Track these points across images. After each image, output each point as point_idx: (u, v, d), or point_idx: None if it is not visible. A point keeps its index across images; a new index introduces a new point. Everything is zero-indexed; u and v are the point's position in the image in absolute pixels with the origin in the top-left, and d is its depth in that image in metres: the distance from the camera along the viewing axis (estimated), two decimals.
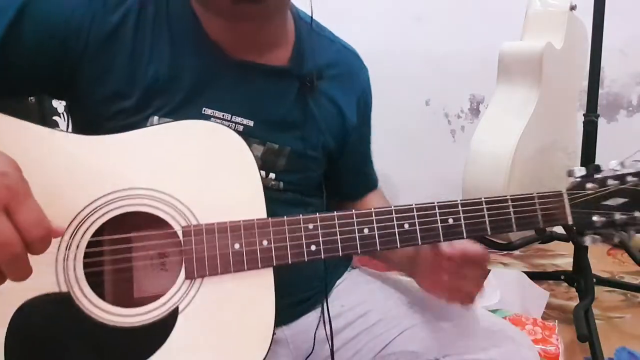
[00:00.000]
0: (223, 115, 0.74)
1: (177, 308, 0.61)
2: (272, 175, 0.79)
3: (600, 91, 1.62)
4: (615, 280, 1.88)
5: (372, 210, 0.67)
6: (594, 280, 1.65)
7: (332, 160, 0.88)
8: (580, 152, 1.59)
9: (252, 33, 0.75)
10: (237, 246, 0.63)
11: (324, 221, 0.66)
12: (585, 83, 1.57)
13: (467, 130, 2.42)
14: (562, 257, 2.10)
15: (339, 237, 0.66)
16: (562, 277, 1.76)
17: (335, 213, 0.66)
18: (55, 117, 1.49)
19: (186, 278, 0.63)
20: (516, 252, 2.12)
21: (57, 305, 0.59)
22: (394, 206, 0.68)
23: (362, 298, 0.88)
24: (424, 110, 2.45)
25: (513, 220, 0.69)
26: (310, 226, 0.65)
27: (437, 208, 0.69)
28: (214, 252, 0.63)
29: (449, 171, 1.91)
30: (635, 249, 1.82)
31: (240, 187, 0.66)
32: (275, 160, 0.79)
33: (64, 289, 0.60)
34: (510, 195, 0.70)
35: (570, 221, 0.71)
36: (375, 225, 0.67)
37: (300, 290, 0.85)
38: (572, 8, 1.58)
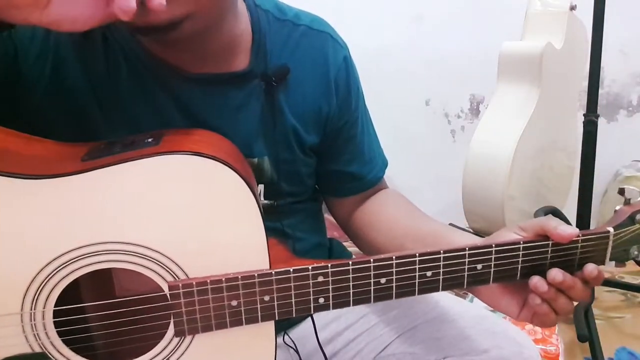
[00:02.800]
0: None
1: None
2: (260, 188, 0.76)
3: (600, 91, 1.62)
4: (615, 280, 1.88)
5: (393, 257, 0.59)
6: None
7: (323, 156, 0.83)
8: (580, 152, 1.59)
9: (194, 48, 0.69)
10: (234, 303, 0.56)
11: (336, 274, 0.58)
12: (585, 83, 1.57)
13: (467, 130, 2.42)
14: None
15: (351, 290, 0.59)
16: None
17: (350, 260, 0.59)
18: None
19: (175, 335, 0.57)
20: None
21: None
22: (419, 253, 0.60)
23: None
24: (423, 110, 2.45)
25: (547, 265, 0.63)
26: (320, 278, 0.58)
27: (467, 256, 0.61)
28: (207, 311, 0.56)
29: (449, 171, 1.92)
30: None
31: (237, 233, 0.56)
32: (260, 172, 0.75)
33: (37, 348, 0.55)
34: (551, 241, 0.63)
35: (606, 262, 0.66)
36: (394, 277, 0.60)
37: None
38: (572, 8, 1.59)
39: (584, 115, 1.56)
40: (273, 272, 0.56)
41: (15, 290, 0.53)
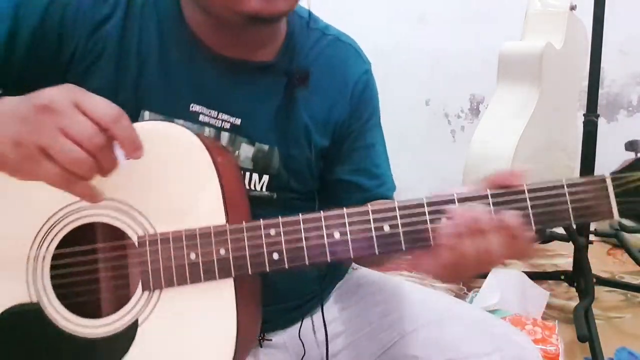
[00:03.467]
0: (210, 113, 0.74)
1: (136, 321, 0.60)
2: (265, 178, 0.77)
3: (600, 91, 1.62)
4: (615, 280, 1.88)
5: (344, 211, 0.59)
6: (594, 280, 1.65)
7: (330, 162, 0.84)
8: (580, 152, 1.59)
9: (242, 36, 0.73)
10: (193, 256, 0.60)
11: (288, 226, 0.59)
12: (585, 83, 1.57)
13: (467, 130, 2.42)
14: (562, 257, 2.10)
15: (304, 243, 0.58)
16: (562, 277, 1.76)
17: (300, 216, 0.59)
18: None
19: (143, 290, 0.60)
20: None
21: (28, 315, 0.61)
22: (371, 207, 0.59)
23: (362, 300, 0.87)
24: (424, 110, 2.45)
25: (531, 216, 0.56)
26: (272, 232, 0.59)
27: (425, 206, 0.57)
28: (169, 263, 0.60)
29: (449, 171, 1.92)
30: (635, 249, 1.82)
31: (198, 192, 0.61)
32: (268, 162, 0.77)
33: (34, 299, 0.61)
34: (527, 186, 0.57)
35: (616, 215, 0.56)
36: (347, 228, 0.58)
37: (297, 296, 0.84)
38: (572, 8, 1.59)
39: (584, 115, 1.56)
40: (227, 227, 0.60)
41: (26, 237, 0.62)
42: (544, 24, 1.60)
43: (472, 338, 0.77)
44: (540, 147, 1.63)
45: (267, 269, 0.59)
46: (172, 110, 0.71)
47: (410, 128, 2.40)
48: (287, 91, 0.77)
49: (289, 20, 0.79)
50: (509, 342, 0.76)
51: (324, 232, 0.59)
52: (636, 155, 0.58)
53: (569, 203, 0.56)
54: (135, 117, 0.71)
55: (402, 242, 0.58)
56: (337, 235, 0.58)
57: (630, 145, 0.60)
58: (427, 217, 0.57)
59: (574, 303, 1.61)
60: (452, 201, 0.57)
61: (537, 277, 1.78)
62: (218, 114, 0.74)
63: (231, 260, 0.59)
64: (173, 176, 0.62)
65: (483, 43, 2.10)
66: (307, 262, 0.59)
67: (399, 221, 0.58)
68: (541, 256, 2.14)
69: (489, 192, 0.57)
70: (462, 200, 0.57)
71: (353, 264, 0.96)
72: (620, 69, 2.23)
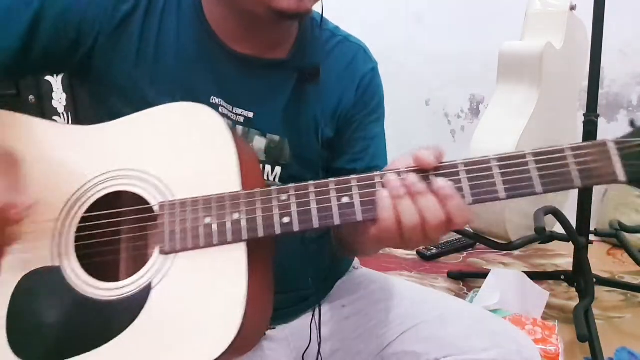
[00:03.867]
0: (227, 106, 0.77)
1: (150, 284, 0.62)
2: (277, 170, 0.80)
3: (600, 91, 1.62)
4: (615, 280, 1.88)
5: (353, 177, 0.62)
6: (594, 280, 1.65)
7: (332, 152, 0.86)
8: None
9: (259, 33, 0.76)
10: (207, 220, 0.63)
11: (299, 190, 0.62)
12: (585, 83, 1.57)
13: (467, 130, 2.42)
14: (562, 257, 2.10)
15: (314, 206, 0.61)
16: (562, 277, 1.76)
17: (310, 182, 0.63)
18: (55, 117, 1.49)
19: (160, 253, 0.63)
20: (516, 252, 2.12)
21: (49, 278, 0.64)
22: (378, 171, 0.62)
23: (363, 298, 0.88)
24: (424, 110, 2.45)
25: (535, 179, 0.57)
26: (284, 197, 0.62)
27: (431, 171, 0.60)
28: (184, 225, 0.63)
29: None
30: (635, 249, 1.82)
31: (216, 162, 0.66)
32: (280, 153, 0.80)
33: (56, 262, 0.65)
34: (530, 150, 0.58)
35: (622, 177, 0.56)
36: (355, 192, 0.61)
37: (298, 288, 0.85)
38: (572, 8, 1.58)
39: (584, 115, 1.56)
40: (242, 193, 0.64)
41: (57, 204, 0.67)
42: (544, 24, 1.60)
43: (470, 334, 0.78)
44: (541, 147, 1.62)
45: (278, 232, 0.62)
46: (195, 102, 0.73)
47: (411, 128, 2.40)
48: (297, 86, 0.80)
49: (301, 21, 0.82)
50: (507, 338, 0.77)
51: (333, 196, 0.61)
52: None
53: (574, 165, 0.57)
54: None
55: (360, 212, 0.61)
56: (345, 199, 0.61)
57: (632, 123, 0.62)
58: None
59: (574, 303, 1.61)
60: (455, 166, 0.59)
61: (537, 277, 1.78)
62: (233, 108, 0.77)
63: (243, 223, 0.62)
64: (194, 148, 0.67)
65: (483, 43, 2.10)
66: (315, 225, 0.61)
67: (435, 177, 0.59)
68: (541, 256, 2.15)
69: (491, 156, 0.59)
70: (468, 164, 0.59)
71: (355, 262, 0.96)
72: (620, 69, 2.23)
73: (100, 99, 0.78)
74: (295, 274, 0.82)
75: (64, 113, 1.49)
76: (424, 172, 0.60)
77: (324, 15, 0.84)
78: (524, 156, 0.59)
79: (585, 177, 0.57)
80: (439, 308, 0.82)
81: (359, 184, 0.61)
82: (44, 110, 1.46)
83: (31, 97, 1.32)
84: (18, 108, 0.74)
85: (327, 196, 0.62)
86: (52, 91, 1.46)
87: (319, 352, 0.80)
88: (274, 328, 0.84)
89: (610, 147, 0.57)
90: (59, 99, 1.49)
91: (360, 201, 0.61)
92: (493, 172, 0.59)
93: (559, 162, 0.58)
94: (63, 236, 0.66)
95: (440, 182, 0.59)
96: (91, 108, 0.82)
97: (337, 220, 0.61)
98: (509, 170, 0.58)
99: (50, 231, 0.66)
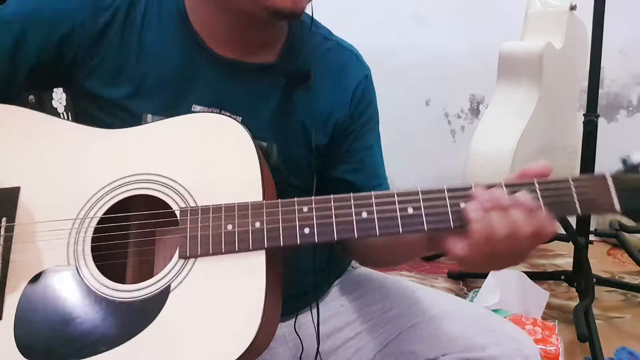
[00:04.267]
0: (212, 111, 0.76)
1: (169, 286, 0.63)
2: None
3: (600, 91, 1.62)
4: (615, 280, 1.88)
5: (372, 193, 0.64)
6: (594, 280, 1.65)
7: (328, 161, 0.85)
8: (580, 152, 1.58)
9: (247, 36, 0.75)
10: (229, 227, 0.64)
11: (320, 203, 0.64)
12: (585, 83, 1.57)
13: (467, 130, 2.42)
14: (562, 257, 2.10)
15: (334, 219, 0.63)
16: (562, 277, 1.76)
17: (331, 196, 0.65)
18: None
19: (180, 257, 0.64)
20: None
21: (64, 277, 0.64)
22: (396, 190, 0.64)
23: (361, 297, 0.88)
24: (424, 111, 2.45)
25: (542, 206, 0.61)
26: (305, 209, 0.64)
27: (446, 192, 0.63)
28: (206, 231, 0.64)
29: (449, 171, 1.91)
30: (635, 249, 1.82)
31: (239, 172, 0.67)
32: (267, 158, 0.77)
33: (72, 262, 0.65)
34: (537, 179, 0.62)
35: (617, 207, 0.62)
36: (374, 208, 0.63)
37: (296, 286, 0.85)
38: (572, 8, 1.58)
39: (584, 115, 1.57)
40: (264, 202, 0.65)
41: (76, 204, 0.67)
42: (544, 23, 1.60)
43: (469, 333, 0.78)
44: (541, 147, 1.62)
45: (298, 242, 0.63)
46: (175, 112, 0.72)
47: (411, 128, 2.40)
48: (286, 91, 0.79)
49: (291, 23, 0.81)
50: (506, 336, 0.77)
51: (353, 210, 0.63)
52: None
53: (575, 195, 0.62)
54: (138, 120, 0.74)
55: (424, 222, 0.63)
56: (364, 214, 0.63)
57: (624, 161, 0.65)
58: (447, 201, 0.63)
59: (574, 303, 1.61)
60: (469, 188, 0.63)
61: (537, 277, 1.78)
62: (220, 112, 0.76)
63: (265, 232, 0.63)
64: (218, 158, 0.69)
65: (483, 43, 2.10)
66: (335, 238, 0.63)
67: (422, 204, 0.63)
68: (541, 256, 2.14)
69: (502, 182, 0.63)
70: (479, 187, 0.62)
71: (353, 262, 0.96)
72: (620, 69, 2.23)
73: (82, 108, 0.78)
74: (294, 273, 0.81)
75: (64, 113, 1.49)
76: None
77: (314, 17, 0.82)
78: (532, 184, 0.62)
79: (586, 207, 0.62)
80: (438, 307, 0.82)
81: (377, 200, 0.64)
82: (44, 110, 1.46)
83: (31, 97, 1.32)
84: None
85: (349, 210, 0.63)
86: (52, 91, 1.46)
87: (317, 351, 0.80)
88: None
89: (608, 179, 0.62)
90: (59, 99, 1.48)
91: (377, 217, 0.63)
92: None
93: (562, 192, 0.62)
94: (80, 236, 0.66)
95: (524, 196, 0.60)
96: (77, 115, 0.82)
97: (355, 234, 0.63)
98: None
99: (67, 230, 0.66)
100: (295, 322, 0.85)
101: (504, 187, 0.62)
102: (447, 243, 0.62)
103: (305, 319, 0.84)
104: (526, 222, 0.59)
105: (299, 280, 0.84)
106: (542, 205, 0.61)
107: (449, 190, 0.63)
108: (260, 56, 0.78)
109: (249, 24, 0.73)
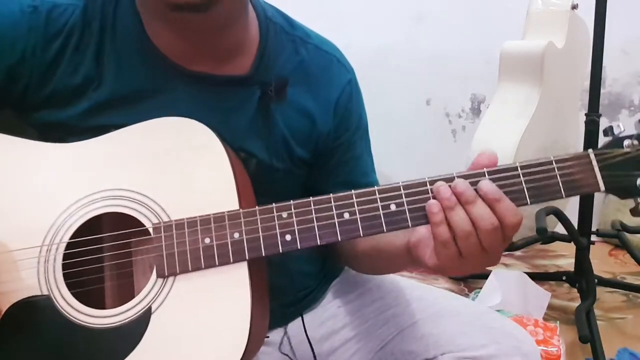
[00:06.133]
0: None
1: (149, 308, 0.60)
2: None
3: (602, 91, 1.61)
4: (617, 281, 1.87)
5: (352, 192, 0.61)
6: (596, 281, 1.64)
7: (316, 174, 0.82)
8: None
9: (203, 44, 0.71)
10: (207, 240, 0.61)
11: (299, 208, 0.61)
12: (587, 82, 1.57)
13: (468, 130, 2.41)
14: (563, 257, 2.09)
15: (316, 224, 0.61)
16: (564, 278, 1.75)
17: (311, 198, 0.62)
18: None
19: (158, 277, 0.61)
20: (517, 253, 2.11)
21: (40, 308, 0.61)
22: (377, 186, 0.62)
23: (359, 297, 0.87)
24: (424, 110, 2.44)
25: (525, 191, 0.60)
26: (284, 214, 0.61)
27: (428, 184, 0.60)
28: (183, 247, 0.61)
29: (449, 171, 1.91)
30: (637, 249, 1.81)
31: (211, 179, 0.64)
32: (246, 169, 0.74)
33: (45, 291, 0.62)
34: (520, 163, 0.61)
35: (602, 187, 0.60)
36: (356, 208, 0.61)
37: (294, 291, 0.84)
38: (574, 7, 1.58)
39: (585, 114, 1.56)
40: (241, 211, 0.62)
41: (40, 230, 0.63)
42: (545, 23, 1.59)
43: (468, 331, 0.77)
44: (542, 147, 1.62)
45: (280, 250, 0.61)
46: None
47: (411, 128, 2.39)
48: (260, 103, 0.75)
49: (262, 28, 0.76)
50: (505, 334, 0.76)
51: (334, 212, 0.61)
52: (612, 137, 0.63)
53: (558, 177, 0.60)
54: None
55: (408, 219, 0.61)
56: (346, 215, 0.61)
57: (605, 132, 0.65)
58: (431, 194, 0.60)
59: (576, 304, 1.60)
60: (452, 179, 0.60)
61: (538, 277, 1.78)
62: None
63: (245, 243, 0.61)
64: (187, 166, 0.64)
65: (484, 42, 2.10)
66: (318, 242, 0.61)
67: (404, 199, 0.61)
68: (543, 257, 2.14)
69: (485, 170, 0.61)
70: (461, 177, 0.60)
71: None
72: (622, 69, 2.22)
73: (43, 130, 0.72)
74: (287, 277, 0.81)
75: None
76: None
77: (289, 17, 0.77)
78: (515, 168, 0.61)
79: (569, 188, 0.61)
80: (436, 305, 0.82)
81: (358, 199, 0.61)
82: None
83: None
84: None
85: (330, 212, 0.61)
86: None
87: (313, 354, 0.79)
88: (268, 337, 0.82)
89: (592, 159, 0.61)
90: None
91: (360, 217, 0.61)
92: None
93: (545, 174, 0.60)
94: (50, 263, 0.62)
95: (487, 186, 0.59)
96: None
97: (338, 237, 0.61)
98: (500, 182, 0.60)
99: (34, 259, 0.62)
100: (293, 325, 0.84)
101: (486, 175, 0.60)
102: (419, 253, 0.62)
103: (301, 322, 0.84)
104: (490, 215, 0.58)
105: (298, 285, 0.84)
106: (526, 191, 0.60)
107: (431, 182, 0.61)
108: (232, 67, 0.74)
109: (187, 28, 0.68)
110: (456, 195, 0.58)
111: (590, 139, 1.55)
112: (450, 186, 0.59)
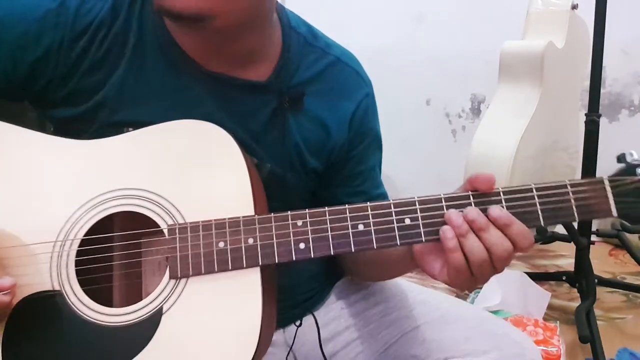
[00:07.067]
0: None
1: (161, 308, 0.60)
2: None
3: (602, 91, 1.61)
4: (617, 281, 1.88)
5: (368, 204, 0.62)
6: (596, 281, 1.64)
7: (327, 184, 0.82)
8: (582, 152, 1.58)
9: (220, 47, 0.71)
10: (221, 244, 0.61)
11: (314, 217, 0.62)
12: (587, 82, 1.56)
13: (468, 130, 2.41)
14: (563, 257, 2.09)
15: (330, 234, 0.61)
16: (564, 278, 1.75)
17: (326, 208, 0.62)
18: None
19: (170, 278, 0.61)
20: (517, 253, 2.11)
21: (50, 303, 0.61)
22: (393, 200, 0.62)
23: (362, 300, 0.87)
24: (424, 110, 2.44)
25: (539, 212, 0.61)
26: (299, 223, 0.61)
27: (443, 201, 0.61)
28: (197, 250, 0.61)
29: (449, 171, 1.91)
30: (637, 249, 1.81)
31: (228, 184, 0.64)
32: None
33: (57, 287, 0.62)
34: (535, 185, 0.62)
35: (615, 213, 0.62)
36: (371, 220, 0.61)
37: (298, 293, 0.84)
38: (574, 7, 1.58)
39: (585, 114, 1.56)
40: (256, 217, 0.62)
41: (55, 225, 0.63)
42: (545, 23, 1.59)
43: (471, 337, 0.77)
44: (542, 147, 1.62)
45: (294, 258, 0.61)
46: None
47: (411, 128, 2.39)
48: (278, 112, 0.75)
49: (285, 37, 0.76)
50: (508, 340, 0.76)
51: (349, 223, 0.61)
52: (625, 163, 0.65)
53: (572, 201, 0.62)
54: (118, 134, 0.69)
55: (422, 234, 0.61)
56: (360, 226, 0.61)
57: (618, 159, 0.66)
58: (445, 212, 0.61)
59: (576, 304, 1.60)
60: (467, 197, 0.62)
61: (538, 277, 1.78)
62: None
63: (259, 249, 0.61)
64: (205, 169, 0.64)
65: (484, 42, 2.09)
66: (332, 252, 0.61)
67: (419, 214, 0.61)
68: (543, 257, 2.14)
69: (501, 190, 0.62)
70: (477, 198, 0.62)
71: None
72: (622, 69, 2.22)
73: (60, 126, 0.73)
74: (291, 279, 0.80)
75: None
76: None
77: (313, 28, 0.77)
78: (530, 190, 0.62)
79: (583, 212, 0.62)
80: (440, 310, 0.81)
81: (374, 212, 0.62)
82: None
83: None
84: (13, 108, 0.71)
85: (344, 223, 0.62)
86: None
87: (323, 354, 0.79)
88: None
89: (606, 184, 0.62)
90: None
91: (374, 229, 0.61)
92: (503, 204, 0.62)
93: (560, 198, 0.62)
94: (63, 259, 0.62)
95: (496, 212, 0.59)
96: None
97: (352, 248, 0.61)
98: (515, 203, 0.61)
99: (48, 254, 0.62)
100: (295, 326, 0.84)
101: (502, 195, 0.61)
102: (427, 266, 0.63)
103: (305, 324, 0.84)
104: (503, 240, 0.59)
105: (302, 287, 0.84)
106: (540, 212, 0.61)
107: (447, 199, 0.62)
108: (251, 72, 0.74)
109: (223, 39, 0.69)
110: (468, 222, 0.59)
111: (590, 139, 1.55)
112: (462, 213, 0.60)
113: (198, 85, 0.72)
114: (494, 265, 0.60)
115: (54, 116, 0.72)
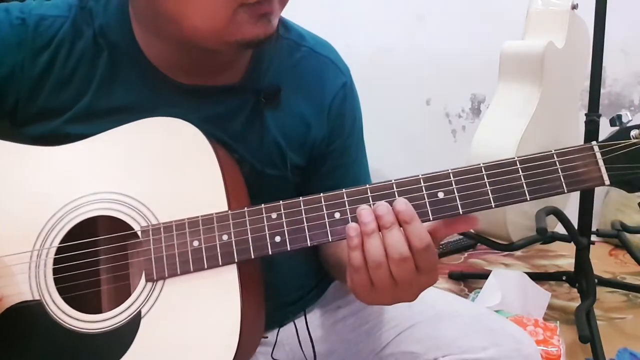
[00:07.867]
0: None
1: (139, 312, 0.60)
2: None
3: (602, 91, 1.61)
4: (617, 281, 1.87)
5: (343, 191, 0.60)
6: (596, 281, 1.64)
7: (310, 179, 0.82)
8: None
9: (200, 60, 0.70)
10: (196, 243, 0.60)
11: (289, 208, 0.60)
12: (587, 82, 1.56)
13: (468, 130, 2.41)
14: (563, 257, 2.09)
15: (306, 224, 0.59)
16: (564, 278, 1.75)
17: (301, 198, 0.60)
18: None
19: (147, 280, 0.61)
20: (517, 253, 2.11)
21: (31, 313, 0.61)
22: (369, 184, 0.60)
23: None
24: (424, 110, 2.44)
25: (524, 186, 0.57)
26: (274, 215, 0.60)
27: (422, 181, 0.59)
28: (172, 251, 0.60)
29: None
30: (637, 249, 1.81)
31: (199, 181, 0.63)
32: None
33: (37, 296, 0.62)
34: (518, 157, 0.58)
35: (607, 181, 0.57)
36: (347, 207, 0.59)
37: (291, 291, 0.84)
38: (574, 7, 1.57)
39: (585, 114, 1.56)
40: (230, 213, 0.61)
41: (30, 234, 0.63)
42: (545, 23, 1.59)
43: (468, 333, 0.77)
44: (542, 147, 1.61)
45: (270, 252, 0.60)
46: None
47: (411, 128, 2.39)
48: (255, 110, 0.74)
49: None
50: (506, 336, 0.76)
51: (325, 212, 0.60)
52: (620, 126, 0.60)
53: (560, 172, 0.58)
54: None
55: None
56: (337, 214, 0.59)
57: (612, 121, 0.62)
58: (424, 192, 0.59)
59: (576, 304, 1.60)
60: (447, 175, 0.60)
61: (538, 277, 1.78)
62: None
63: (234, 245, 0.60)
64: (175, 167, 0.63)
65: (484, 42, 2.09)
66: (308, 243, 0.60)
67: (397, 198, 0.59)
68: (543, 257, 2.14)
69: (482, 165, 0.59)
70: (458, 173, 0.60)
71: None
72: (622, 69, 2.22)
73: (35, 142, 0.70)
74: (285, 276, 0.80)
75: None
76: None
77: (284, 19, 0.75)
78: (513, 163, 0.58)
79: (572, 183, 0.58)
80: (436, 307, 0.81)
81: (350, 198, 0.60)
82: None
83: None
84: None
85: (320, 212, 0.60)
86: None
87: (314, 353, 0.79)
88: (267, 337, 0.82)
89: (596, 151, 0.58)
90: None
91: (351, 217, 0.59)
92: (484, 180, 0.59)
93: (546, 169, 0.58)
94: (40, 268, 0.62)
95: (401, 206, 0.57)
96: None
97: (329, 237, 0.59)
98: (497, 178, 0.58)
99: (26, 264, 0.62)
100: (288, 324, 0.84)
101: (483, 171, 0.58)
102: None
103: (301, 322, 0.84)
104: (401, 243, 0.55)
105: (296, 285, 0.84)
106: (525, 185, 0.57)
107: (425, 179, 0.59)
108: (224, 76, 0.73)
109: (208, 54, 0.68)
110: (376, 217, 0.56)
111: (590, 139, 1.55)
112: (372, 207, 0.57)
113: (171, 99, 0.71)
114: (392, 273, 0.56)
115: (27, 134, 0.71)
